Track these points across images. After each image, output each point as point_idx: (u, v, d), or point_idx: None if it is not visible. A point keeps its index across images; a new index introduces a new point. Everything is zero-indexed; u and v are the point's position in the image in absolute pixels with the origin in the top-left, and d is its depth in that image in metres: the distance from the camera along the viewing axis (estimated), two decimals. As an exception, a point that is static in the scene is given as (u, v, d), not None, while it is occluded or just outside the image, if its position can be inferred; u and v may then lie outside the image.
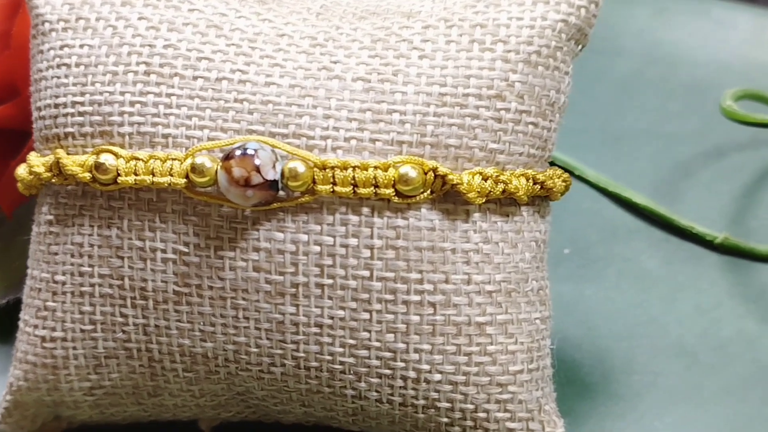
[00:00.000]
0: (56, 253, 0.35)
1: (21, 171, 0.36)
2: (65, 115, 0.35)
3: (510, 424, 0.34)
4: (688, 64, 0.54)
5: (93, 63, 0.35)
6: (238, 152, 0.32)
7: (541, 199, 0.35)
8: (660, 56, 0.56)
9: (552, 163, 0.36)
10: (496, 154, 0.34)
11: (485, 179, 0.33)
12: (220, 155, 0.33)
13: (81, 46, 0.35)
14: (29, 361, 0.36)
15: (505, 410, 0.34)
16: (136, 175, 0.33)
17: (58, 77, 0.35)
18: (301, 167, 0.32)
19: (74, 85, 0.35)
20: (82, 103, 0.34)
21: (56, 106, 0.35)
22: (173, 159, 0.33)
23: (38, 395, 0.36)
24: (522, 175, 0.34)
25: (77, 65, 0.35)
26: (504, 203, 0.34)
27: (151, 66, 0.34)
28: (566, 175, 0.36)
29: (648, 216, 0.46)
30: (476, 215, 0.33)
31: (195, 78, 0.34)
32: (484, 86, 0.33)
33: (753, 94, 0.45)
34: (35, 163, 0.35)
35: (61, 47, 0.35)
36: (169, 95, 0.34)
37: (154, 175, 0.33)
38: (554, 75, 0.35)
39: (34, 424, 0.38)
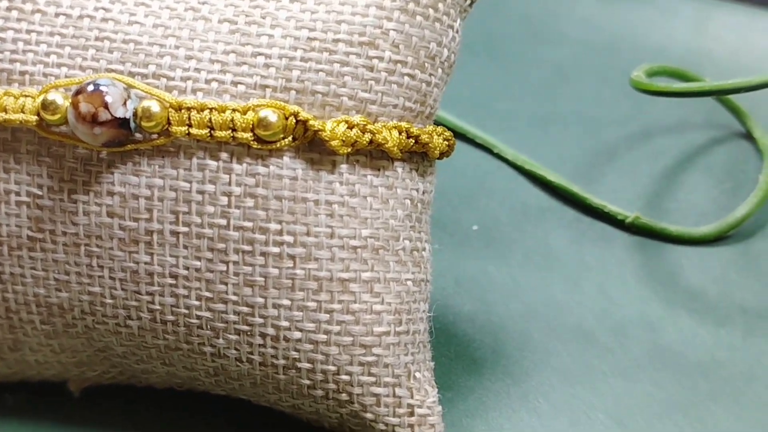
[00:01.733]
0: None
1: None
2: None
3: (375, 389, 0.32)
4: (628, 51, 0.53)
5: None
6: (89, 88, 0.31)
7: (419, 156, 0.33)
8: (601, 43, 0.54)
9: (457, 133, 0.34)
10: (368, 104, 0.32)
11: (350, 128, 0.31)
12: (67, 93, 0.31)
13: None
14: None
15: (370, 373, 0.32)
16: (-12, 112, 0.32)
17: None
18: (155, 107, 0.31)
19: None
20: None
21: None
22: (26, 96, 0.32)
23: None
24: (394, 127, 0.32)
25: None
26: (375, 156, 0.32)
27: (13, 2, 0.33)
28: (449, 133, 0.34)
29: (562, 196, 0.44)
30: (343, 167, 0.32)
31: (57, 15, 0.32)
32: (356, 33, 0.32)
33: (669, 70, 0.44)
34: None
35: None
36: (29, 32, 0.32)
37: (6, 112, 0.32)
38: (435, 27, 0.33)
39: None
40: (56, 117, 0.31)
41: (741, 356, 0.37)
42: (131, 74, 0.32)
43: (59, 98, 0.31)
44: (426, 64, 0.33)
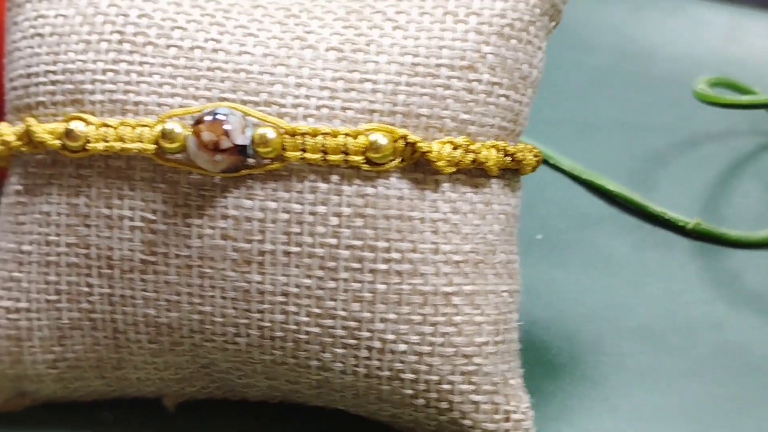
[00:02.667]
0: (23, 223, 0.35)
1: (-9, 141, 0.36)
2: (37, 84, 0.35)
3: (474, 397, 0.34)
4: (663, 59, 0.55)
5: (67, 32, 0.35)
6: (208, 117, 0.32)
7: (511, 172, 0.35)
8: (635, 51, 0.56)
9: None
10: (468, 125, 0.34)
11: (455, 148, 0.33)
12: (185, 122, 0.33)
13: (56, 16, 0.35)
14: (-8, 333, 0.36)
15: (470, 382, 0.34)
16: (105, 141, 0.33)
17: (32, 47, 0.35)
18: (271, 133, 0.32)
19: (47, 54, 0.35)
20: (54, 72, 0.35)
21: (29, 75, 0.35)
22: (143, 125, 0.33)
23: (1, 368, 0.36)
24: (493, 146, 0.34)
25: (51, 35, 0.35)
26: (474, 174, 0.34)
27: (124, 35, 0.34)
28: (537, 150, 0.36)
29: (620, 203, 0.46)
30: (446, 185, 0.34)
31: (168, 47, 0.34)
32: (457, 57, 0.34)
33: (725, 82, 0.46)
34: (5, 132, 0.35)
35: (36, 18, 0.35)
36: (141, 63, 0.34)
37: (123, 141, 0.33)
38: (527, 49, 0.35)
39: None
40: (175, 145, 0.33)
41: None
42: (243, 102, 0.33)
43: (178, 127, 0.33)
44: (519, 85, 0.35)
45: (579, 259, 0.43)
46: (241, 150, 0.32)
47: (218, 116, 0.32)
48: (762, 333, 0.40)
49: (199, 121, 0.32)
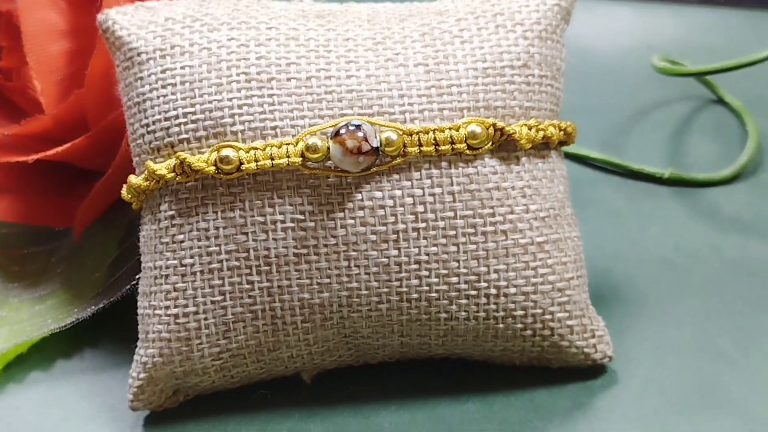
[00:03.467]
0: (182, 241, 0.42)
1: (135, 180, 0.42)
2: (178, 125, 0.42)
3: (569, 322, 0.43)
4: (596, 54, 0.66)
5: (197, 79, 0.42)
6: (344, 129, 0.40)
7: (560, 144, 0.45)
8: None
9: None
10: (530, 111, 0.43)
11: (530, 129, 0.42)
12: (322, 136, 0.41)
13: (182, 68, 0.42)
14: (163, 338, 0.42)
15: (565, 310, 0.43)
16: (257, 161, 0.40)
17: (165, 95, 0.42)
18: (393, 135, 0.41)
19: (182, 99, 0.42)
20: (193, 113, 0.41)
21: (167, 119, 0.42)
22: (287, 144, 0.41)
23: (171, 368, 0.43)
24: (551, 125, 0.43)
25: (182, 83, 0.42)
26: (539, 148, 0.43)
27: (249, 75, 0.42)
28: (573, 125, 0.45)
29: (605, 168, 0.56)
30: (524, 159, 0.43)
31: (288, 79, 0.42)
32: (514, 59, 0.43)
33: (668, 60, 0.57)
34: (156, 168, 0.42)
35: (163, 71, 0.42)
36: (270, 95, 0.41)
37: (272, 159, 0.40)
38: (557, 47, 0.44)
39: (159, 399, 0.44)
40: (318, 155, 0.40)
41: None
42: (360, 115, 0.41)
43: (318, 141, 0.40)
44: (556, 76, 0.44)
45: (589, 214, 0.53)
46: (375, 151, 0.40)
47: (354, 127, 0.40)
48: (750, 248, 0.51)
49: (338, 133, 0.40)
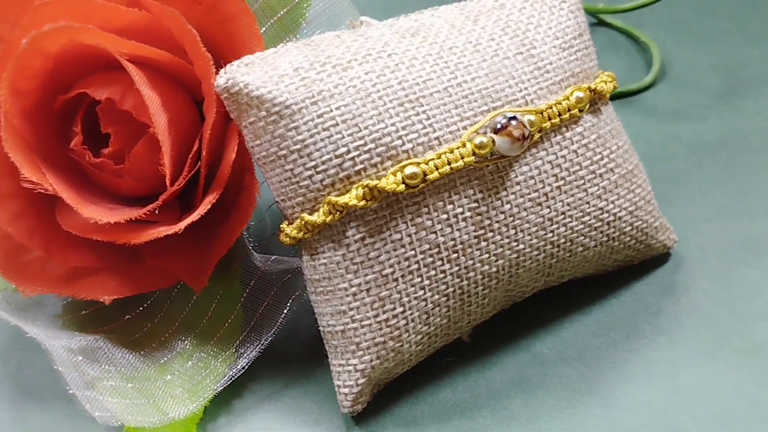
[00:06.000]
0: (378, 256, 0.48)
1: (312, 218, 0.47)
2: (351, 158, 0.47)
3: (655, 224, 0.54)
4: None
5: (355, 115, 0.47)
6: (503, 122, 0.48)
7: (608, 95, 0.55)
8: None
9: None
10: (593, 69, 0.53)
11: (605, 84, 0.52)
12: (482, 133, 0.48)
13: (337, 108, 0.47)
14: (378, 343, 0.48)
15: (653, 216, 0.54)
16: (437, 169, 0.47)
17: (329, 136, 0.47)
18: (533, 117, 0.49)
19: (348, 135, 0.47)
20: (363, 144, 0.47)
21: (338, 156, 0.47)
22: (457, 148, 0.47)
23: (386, 366, 0.49)
24: (607, 75, 0.53)
25: (343, 122, 0.47)
26: (603, 96, 0.53)
27: (400, 99, 0.48)
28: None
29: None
30: (602, 108, 0.53)
31: (431, 94, 0.48)
32: (574, 30, 0.52)
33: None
34: (347, 200, 0.46)
35: (319, 116, 0.47)
36: (423, 112, 0.48)
37: (450, 164, 0.47)
38: (583, 12, 0.54)
39: (367, 397, 0.50)
40: (486, 150, 0.48)
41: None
42: (494, 108, 0.49)
43: (483, 138, 0.48)
44: (590, 35, 0.54)
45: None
46: (530, 134, 0.48)
47: (506, 119, 0.48)
48: (696, 129, 0.64)
49: (500, 128, 0.48)
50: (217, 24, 0.51)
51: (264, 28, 0.54)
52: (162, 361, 0.53)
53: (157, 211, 0.49)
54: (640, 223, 0.53)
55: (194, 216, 0.49)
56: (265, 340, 0.51)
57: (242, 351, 0.52)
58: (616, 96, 0.67)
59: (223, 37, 0.52)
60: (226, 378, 0.51)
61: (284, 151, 0.47)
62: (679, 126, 0.65)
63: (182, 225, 0.49)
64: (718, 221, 0.58)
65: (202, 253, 0.52)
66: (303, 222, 0.48)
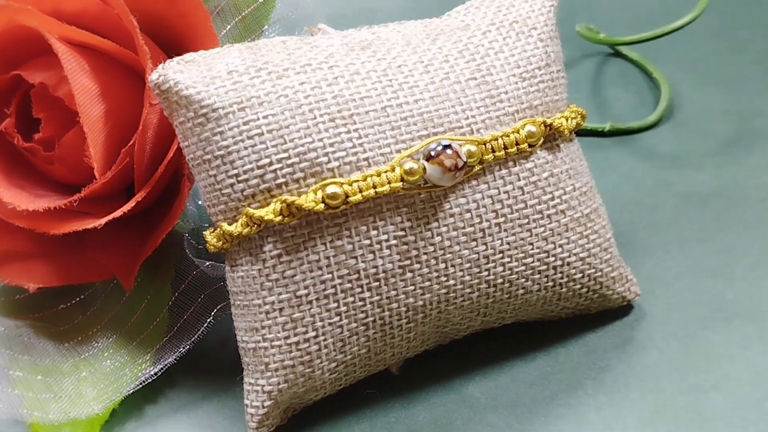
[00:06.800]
0: (293, 275, 0.45)
1: (230, 228, 0.45)
2: (273, 171, 0.45)
3: (612, 274, 0.51)
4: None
5: (282, 126, 0.45)
6: (437, 149, 0.45)
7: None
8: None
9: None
10: (558, 103, 0.50)
11: (566, 119, 0.49)
12: (415, 159, 0.45)
13: (264, 117, 0.45)
14: (287, 366, 0.46)
15: (609, 265, 0.51)
16: (361, 192, 0.45)
17: (253, 145, 0.45)
18: (473, 147, 0.46)
19: (273, 146, 0.45)
20: (287, 158, 0.45)
21: (260, 167, 0.45)
22: (384, 172, 0.45)
23: (294, 390, 0.47)
24: (573, 111, 0.50)
25: (269, 131, 0.45)
26: (567, 137, 0.50)
27: (331, 114, 0.45)
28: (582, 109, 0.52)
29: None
30: (562, 145, 0.49)
31: (367, 112, 0.46)
32: (540, 60, 0.49)
33: (586, 27, 0.65)
34: (262, 214, 0.44)
35: (245, 123, 0.45)
36: (355, 130, 0.45)
37: (375, 187, 0.45)
38: (558, 41, 0.51)
39: (278, 419, 0.48)
40: (416, 177, 0.45)
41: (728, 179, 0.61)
42: (434, 134, 0.46)
43: (413, 164, 0.45)
44: (562, 66, 0.51)
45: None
46: (465, 165, 0.46)
47: (442, 147, 0.45)
48: (692, 178, 0.60)
49: (431, 155, 0.45)
50: (176, 18, 0.50)
51: (228, 26, 0.53)
52: (83, 356, 0.51)
53: (76, 203, 0.48)
54: (593, 271, 0.50)
55: (117, 213, 0.48)
56: (183, 348, 0.50)
57: (160, 356, 0.50)
58: (615, 133, 0.64)
59: (183, 31, 0.50)
60: (137, 383, 0.49)
61: (209, 156, 0.46)
62: (673, 172, 0.61)
63: (103, 221, 0.48)
64: (690, 278, 0.54)
65: (136, 251, 0.51)
66: (222, 231, 0.46)
